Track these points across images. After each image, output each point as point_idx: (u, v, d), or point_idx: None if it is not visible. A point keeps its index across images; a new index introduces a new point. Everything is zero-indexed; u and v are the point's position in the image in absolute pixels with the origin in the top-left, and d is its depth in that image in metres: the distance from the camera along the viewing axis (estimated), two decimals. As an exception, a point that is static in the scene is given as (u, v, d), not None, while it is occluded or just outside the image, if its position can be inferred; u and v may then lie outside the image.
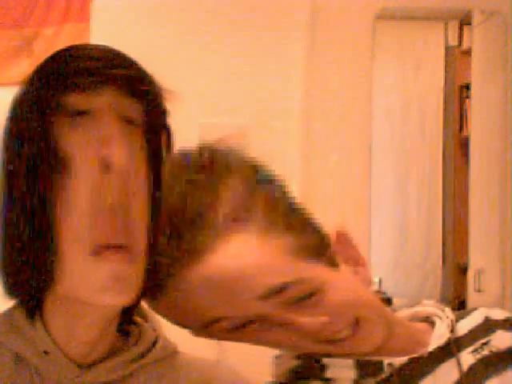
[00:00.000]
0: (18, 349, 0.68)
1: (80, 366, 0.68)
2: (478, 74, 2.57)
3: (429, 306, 0.90)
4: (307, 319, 0.76)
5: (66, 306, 0.67)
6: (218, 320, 0.79)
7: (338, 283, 0.80)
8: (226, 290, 0.75)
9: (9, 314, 0.69)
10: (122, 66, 0.65)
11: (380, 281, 2.95)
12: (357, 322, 0.78)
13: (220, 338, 0.84)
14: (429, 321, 0.87)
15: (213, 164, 0.83)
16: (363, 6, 2.37)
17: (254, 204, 0.81)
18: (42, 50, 2.34)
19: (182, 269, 0.75)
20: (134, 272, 0.65)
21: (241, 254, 0.76)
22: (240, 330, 0.81)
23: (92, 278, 0.64)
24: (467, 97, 2.63)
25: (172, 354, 0.76)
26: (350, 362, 0.80)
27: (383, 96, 2.56)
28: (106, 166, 0.63)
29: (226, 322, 0.80)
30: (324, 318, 0.75)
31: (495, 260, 2.48)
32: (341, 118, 2.36)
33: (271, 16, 2.35)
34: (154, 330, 0.76)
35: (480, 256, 2.51)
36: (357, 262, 0.85)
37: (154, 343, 0.74)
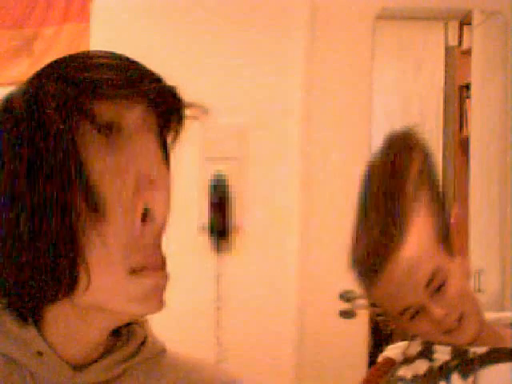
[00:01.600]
0: (8, 351, 0.67)
1: (74, 367, 0.68)
2: (478, 74, 2.57)
3: None
4: (438, 310, 0.91)
5: (76, 312, 0.66)
6: (405, 309, 0.93)
7: (456, 274, 0.93)
8: (411, 278, 0.90)
9: None
10: (153, 80, 0.64)
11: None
12: (462, 316, 0.93)
13: (404, 327, 0.99)
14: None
15: (408, 149, 0.97)
16: (363, 6, 2.37)
17: (423, 186, 0.94)
18: (42, 50, 2.34)
19: (387, 260, 0.90)
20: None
21: (420, 243, 0.90)
22: (410, 318, 0.94)
23: (131, 291, 0.64)
24: (467, 97, 2.63)
25: (160, 352, 0.76)
26: (448, 348, 0.96)
27: (383, 96, 2.56)
28: (148, 216, 0.63)
29: (408, 311, 0.93)
30: (444, 311, 0.91)
31: (495, 260, 2.48)
32: (341, 118, 2.36)
33: (271, 16, 2.35)
34: (143, 329, 0.76)
35: (480, 256, 2.51)
36: (464, 252, 0.97)
37: (143, 342, 0.75)
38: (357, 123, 2.39)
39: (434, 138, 2.65)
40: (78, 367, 0.68)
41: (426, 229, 0.93)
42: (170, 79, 0.65)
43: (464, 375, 0.95)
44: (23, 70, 2.30)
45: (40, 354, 0.67)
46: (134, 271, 0.63)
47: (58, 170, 0.59)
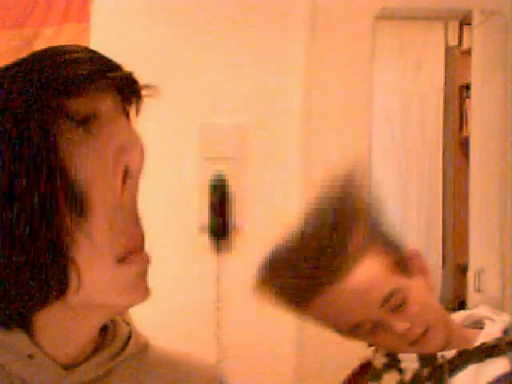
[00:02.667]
0: (0, 356, 0.66)
1: (65, 367, 0.68)
2: (478, 74, 2.57)
3: (484, 311, 1.09)
4: (400, 324, 0.98)
5: (66, 312, 0.66)
6: (357, 324, 1.02)
7: (416, 291, 1.00)
8: (361, 299, 0.98)
9: None
10: (117, 69, 0.66)
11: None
12: (427, 329, 0.99)
13: (360, 340, 1.08)
14: (480, 323, 1.06)
15: (352, 199, 1.05)
16: (363, 5, 2.37)
17: (372, 234, 1.02)
18: (42, 50, 2.34)
19: (331, 284, 0.98)
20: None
21: (369, 274, 0.99)
22: (368, 332, 1.02)
23: (120, 282, 0.65)
24: (467, 97, 2.63)
25: (145, 346, 0.76)
26: (414, 356, 1.01)
27: (383, 96, 2.55)
28: (127, 174, 0.64)
29: (361, 326, 1.01)
30: (407, 324, 0.98)
31: (495, 260, 2.48)
32: (341, 118, 2.36)
33: (271, 16, 2.34)
34: (128, 324, 0.76)
35: (480, 256, 2.50)
36: (424, 271, 1.05)
37: (129, 338, 0.75)
38: (357, 123, 2.39)
39: (433, 137, 2.65)
40: (69, 367, 0.68)
41: (376, 261, 1.01)
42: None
43: (438, 382, 0.98)
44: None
45: (31, 357, 0.66)
46: (120, 259, 0.64)
47: (38, 171, 0.59)
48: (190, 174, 2.29)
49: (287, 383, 2.31)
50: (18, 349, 0.66)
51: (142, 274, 0.67)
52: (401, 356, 1.02)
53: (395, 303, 0.99)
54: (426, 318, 1.00)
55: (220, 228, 2.26)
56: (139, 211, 0.67)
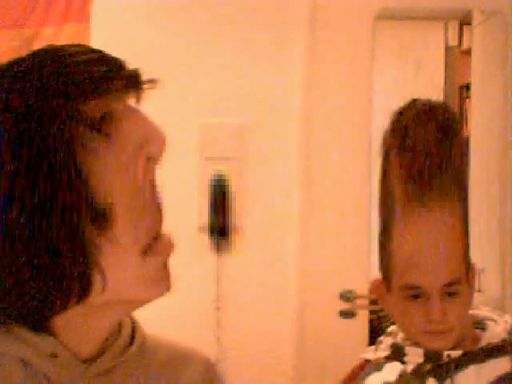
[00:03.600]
0: (24, 355, 0.66)
1: (85, 363, 0.69)
2: (478, 74, 2.57)
3: (485, 311, 1.07)
4: (438, 312, 0.93)
5: (88, 311, 0.66)
6: (414, 287, 0.95)
7: (466, 295, 0.97)
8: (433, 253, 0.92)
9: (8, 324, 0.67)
10: (123, 67, 0.65)
11: (380, 281, 2.95)
12: (450, 330, 0.96)
13: (392, 307, 1.01)
14: (481, 323, 1.04)
15: (450, 124, 0.99)
16: (363, 5, 2.37)
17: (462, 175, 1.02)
18: (42, 50, 2.34)
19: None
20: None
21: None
22: (411, 302, 0.97)
23: (146, 274, 0.65)
24: (467, 97, 2.63)
25: (144, 339, 0.77)
26: (421, 351, 0.98)
27: (383, 96, 2.55)
28: (149, 163, 0.64)
29: (416, 290, 0.95)
30: (441, 315, 0.93)
31: (495, 260, 2.48)
32: (341, 118, 2.36)
33: (271, 16, 2.35)
34: (130, 318, 0.77)
35: (480, 256, 2.51)
36: (473, 282, 1.00)
37: (133, 329, 0.75)
38: (357, 123, 2.39)
39: (433, 138, 2.65)
40: (88, 360, 0.69)
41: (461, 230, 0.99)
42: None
43: (440, 379, 0.97)
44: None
45: (54, 355, 0.66)
46: (145, 251, 0.64)
47: (58, 184, 0.59)
48: (190, 173, 2.29)
49: (287, 383, 2.31)
50: (42, 348, 0.66)
51: (166, 263, 0.66)
52: (407, 350, 1.01)
53: (449, 290, 0.96)
54: (457, 324, 0.98)
55: (220, 228, 2.26)
56: (159, 194, 0.67)
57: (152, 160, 0.65)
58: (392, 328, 1.08)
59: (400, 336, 1.05)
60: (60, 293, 0.62)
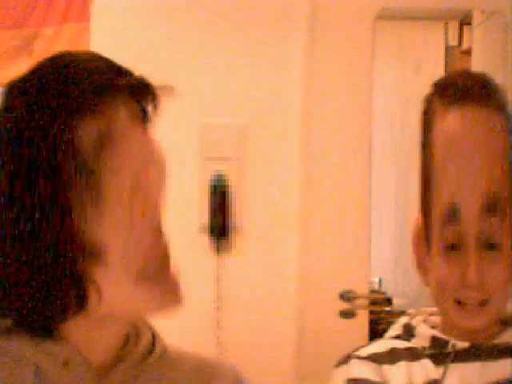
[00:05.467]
0: (39, 361, 0.66)
1: (98, 374, 0.68)
2: (478, 74, 2.57)
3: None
4: (475, 275, 0.83)
5: (93, 321, 0.66)
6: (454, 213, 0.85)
7: (509, 259, 0.85)
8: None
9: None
10: (128, 74, 0.65)
11: (380, 281, 2.95)
12: (485, 304, 0.86)
13: (426, 275, 0.94)
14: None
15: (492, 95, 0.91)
16: (363, 5, 2.37)
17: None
18: (42, 50, 2.34)
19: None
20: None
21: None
22: (450, 253, 0.87)
23: (142, 300, 0.66)
24: (467, 97, 2.63)
25: (165, 349, 0.77)
26: (428, 335, 0.92)
27: (383, 96, 2.56)
28: (146, 192, 0.64)
29: (456, 228, 0.85)
30: (477, 280, 0.83)
31: None
32: (341, 118, 2.36)
33: (271, 16, 2.34)
34: (150, 329, 0.76)
35: None
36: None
37: (153, 342, 0.75)
38: (357, 123, 2.39)
39: (434, 138, 2.65)
40: (102, 372, 0.69)
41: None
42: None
43: (436, 363, 0.90)
44: (23, 69, 2.29)
45: (66, 363, 0.66)
46: (142, 278, 0.64)
47: (47, 218, 0.60)
48: (190, 173, 2.29)
49: (287, 383, 2.31)
50: (55, 355, 0.66)
51: (168, 291, 0.66)
52: (417, 331, 0.94)
53: (495, 215, 0.83)
54: (496, 290, 0.86)
55: (220, 228, 2.26)
56: (161, 223, 0.67)
57: (149, 189, 0.65)
58: (412, 310, 1.03)
59: (417, 318, 0.99)
60: (59, 293, 0.62)
